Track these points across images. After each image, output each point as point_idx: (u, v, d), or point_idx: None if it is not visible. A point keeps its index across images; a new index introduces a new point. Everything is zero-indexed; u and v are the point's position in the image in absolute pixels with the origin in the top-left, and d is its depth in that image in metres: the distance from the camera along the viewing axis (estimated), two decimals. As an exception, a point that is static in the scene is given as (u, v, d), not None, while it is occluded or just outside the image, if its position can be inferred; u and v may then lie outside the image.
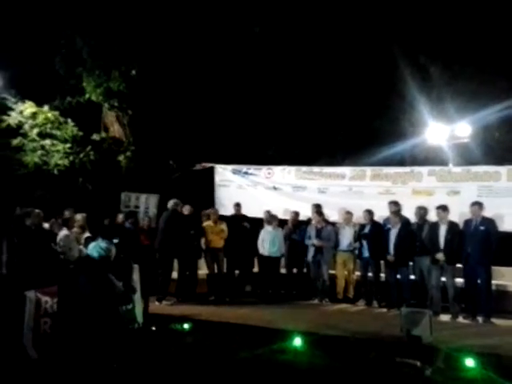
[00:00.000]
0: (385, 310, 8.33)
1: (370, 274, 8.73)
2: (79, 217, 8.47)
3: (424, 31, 14.18)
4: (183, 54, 12.23)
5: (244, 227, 9.44)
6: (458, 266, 7.90)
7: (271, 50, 13.16)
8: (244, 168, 10.83)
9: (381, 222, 8.80)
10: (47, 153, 11.27)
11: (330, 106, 14.04)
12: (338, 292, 8.99)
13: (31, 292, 5.70)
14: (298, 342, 6.01)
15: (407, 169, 9.82)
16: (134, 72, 11.92)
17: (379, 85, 14.19)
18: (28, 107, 11.43)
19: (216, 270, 9.12)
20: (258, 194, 10.54)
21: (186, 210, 8.97)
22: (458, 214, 8.19)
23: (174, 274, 8.88)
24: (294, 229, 9.47)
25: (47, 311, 5.79)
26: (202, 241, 9.02)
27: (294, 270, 9.44)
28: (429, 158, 13.47)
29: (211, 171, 11.08)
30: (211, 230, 9.13)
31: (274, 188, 10.48)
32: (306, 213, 9.63)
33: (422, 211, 8.29)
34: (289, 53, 13.36)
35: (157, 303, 8.10)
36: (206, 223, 9.23)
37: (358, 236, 8.81)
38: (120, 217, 9.46)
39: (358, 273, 9.02)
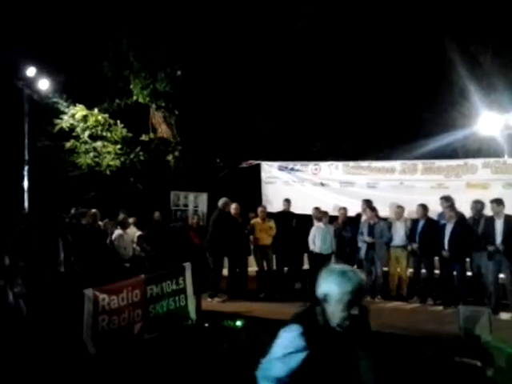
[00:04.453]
0: (440, 307, 8.08)
1: (423, 271, 8.51)
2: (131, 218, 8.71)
3: (473, 19, 13.69)
4: (227, 53, 12.29)
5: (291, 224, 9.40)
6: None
7: (313, 46, 13.02)
8: (290, 164, 10.75)
9: (434, 217, 8.55)
10: (99, 154, 11.61)
11: (377, 98, 13.75)
12: (391, 289, 8.79)
13: (89, 290, 5.86)
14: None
15: (460, 161, 9.48)
16: (179, 72, 12.11)
17: (427, 75, 13.79)
18: (79, 110, 11.80)
19: (265, 268, 9.13)
20: (306, 191, 10.44)
21: (234, 208, 8.99)
22: (516, 207, 7.85)
23: (225, 272, 8.94)
24: (344, 225, 9.33)
25: (105, 308, 5.95)
26: (251, 238, 9.05)
27: (344, 267, 9.28)
28: (482, 150, 12.99)
29: (257, 168, 11.07)
30: (259, 228, 9.13)
31: (322, 184, 10.35)
32: (355, 209, 9.48)
33: (478, 205, 7.96)
34: (332, 46, 13.18)
35: (209, 299, 8.19)
36: (254, 221, 9.25)
37: (411, 232, 8.57)
38: (156, 215, 9.41)
39: (411, 269, 8.80)
